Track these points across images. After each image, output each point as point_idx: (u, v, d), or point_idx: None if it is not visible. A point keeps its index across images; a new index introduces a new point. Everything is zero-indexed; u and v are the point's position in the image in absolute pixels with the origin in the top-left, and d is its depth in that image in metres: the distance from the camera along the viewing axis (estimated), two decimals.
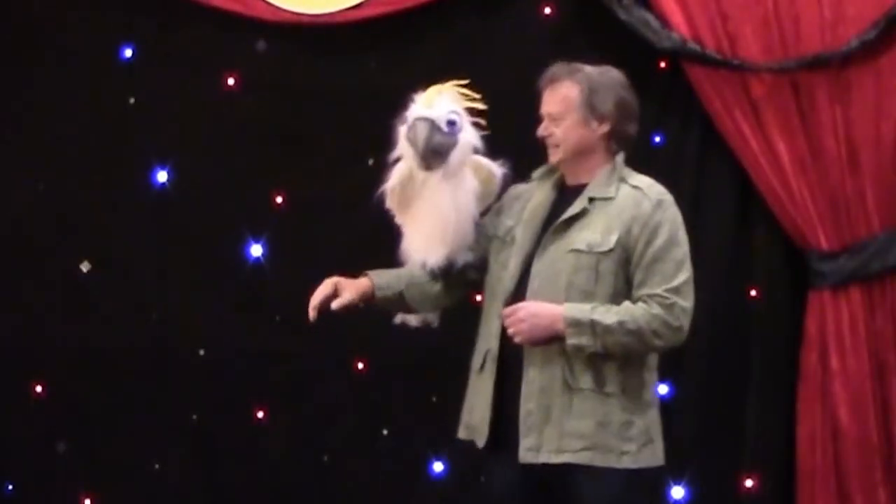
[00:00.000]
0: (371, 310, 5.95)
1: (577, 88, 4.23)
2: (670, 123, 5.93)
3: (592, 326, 4.09)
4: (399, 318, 4.61)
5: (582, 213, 4.20)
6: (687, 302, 4.17)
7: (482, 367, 4.29)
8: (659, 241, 4.15)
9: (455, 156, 4.33)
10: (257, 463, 6.05)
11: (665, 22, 5.78)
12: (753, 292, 5.91)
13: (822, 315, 5.78)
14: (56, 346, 6.10)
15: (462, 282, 4.43)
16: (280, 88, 6.07)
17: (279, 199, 6.08)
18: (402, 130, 4.37)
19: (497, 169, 4.44)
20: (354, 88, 6.02)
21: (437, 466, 5.98)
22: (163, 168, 6.11)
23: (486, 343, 4.29)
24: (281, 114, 6.06)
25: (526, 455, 4.15)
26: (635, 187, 4.21)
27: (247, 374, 6.05)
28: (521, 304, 4.16)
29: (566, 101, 4.23)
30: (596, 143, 4.24)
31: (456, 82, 4.39)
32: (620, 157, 4.27)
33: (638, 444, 4.15)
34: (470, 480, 5.92)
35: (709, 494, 5.87)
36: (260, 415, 6.07)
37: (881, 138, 5.74)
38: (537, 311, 4.13)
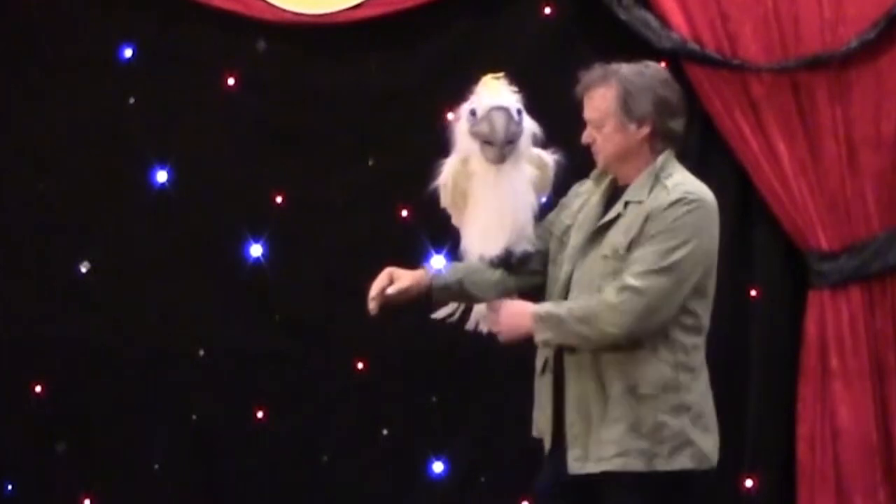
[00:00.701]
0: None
1: (612, 93, 4.14)
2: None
3: (550, 319, 4.09)
4: (472, 323, 4.49)
5: (616, 218, 4.15)
6: (643, 296, 4.01)
7: (542, 371, 4.25)
8: (654, 229, 4.06)
9: (522, 145, 4.29)
10: (257, 463, 6.05)
11: (665, 22, 5.78)
12: (753, 292, 5.91)
13: (822, 315, 5.78)
14: (56, 346, 6.10)
15: (524, 271, 4.35)
16: (280, 88, 6.07)
17: (279, 199, 6.08)
18: (463, 125, 4.29)
19: (549, 157, 4.39)
20: (354, 88, 6.02)
21: (437, 466, 5.98)
22: (163, 168, 6.11)
23: (545, 351, 4.24)
24: (281, 114, 6.06)
25: (574, 465, 4.11)
26: (664, 186, 4.13)
27: (247, 374, 6.05)
28: (501, 303, 4.20)
29: (601, 108, 4.15)
30: (638, 146, 4.16)
31: (494, 75, 4.35)
32: (662, 157, 4.16)
33: (671, 446, 4.06)
34: (470, 480, 5.94)
35: (708, 494, 5.87)
36: (260, 415, 6.07)
37: (881, 138, 5.74)
38: (513, 311, 4.17)
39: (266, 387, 6.05)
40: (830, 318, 5.77)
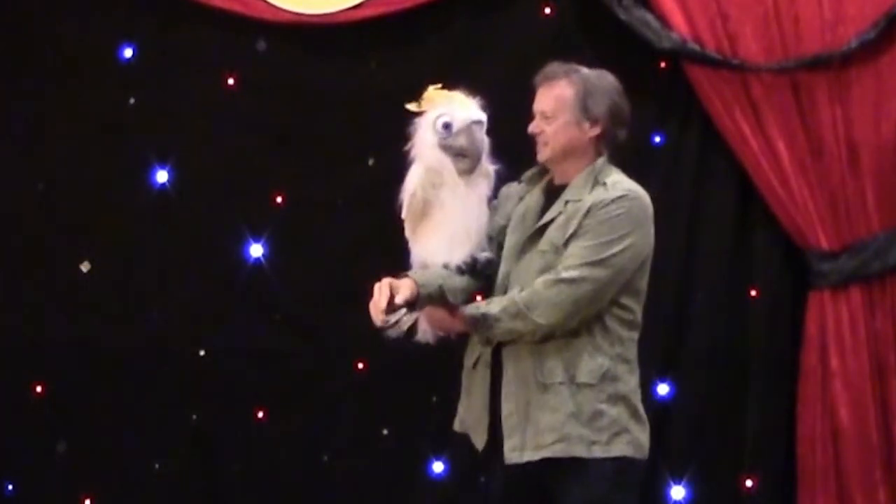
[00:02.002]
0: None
1: (573, 89, 4.25)
2: (670, 123, 5.93)
3: (486, 320, 4.16)
4: (421, 334, 4.50)
5: (556, 217, 4.23)
6: (575, 287, 4.10)
7: (475, 366, 4.32)
8: (592, 223, 4.15)
9: (484, 156, 4.36)
10: (257, 463, 6.05)
11: (665, 22, 5.78)
12: (753, 292, 5.91)
13: (822, 315, 5.78)
14: (56, 346, 6.10)
15: (484, 276, 4.40)
16: (280, 88, 6.07)
17: (279, 199, 6.08)
18: (431, 137, 4.33)
19: (490, 166, 4.44)
20: (354, 88, 6.02)
21: (437, 466, 5.99)
22: (163, 168, 6.11)
23: (479, 345, 4.31)
24: (281, 114, 6.06)
25: (511, 456, 4.18)
26: (604, 184, 4.22)
27: (247, 374, 6.05)
28: (430, 310, 4.27)
29: (560, 100, 4.25)
30: (585, 145, 4.26)
31: (435, 87, 4.39)
32: (601, 160, 4.27)
33: (609, 434, 4.14)
34: (470, 480, 5.93)
35: (709, 494, 5.87)
36: (260, 415, 6.07)
37: (881, 138, 5.74)
38: (443, 316, 4.26)
39: (266, 387, 6.05)
40: (830, 318, 5.77)
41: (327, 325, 6.03)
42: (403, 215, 4.41)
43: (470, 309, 4.22)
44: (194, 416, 6.10)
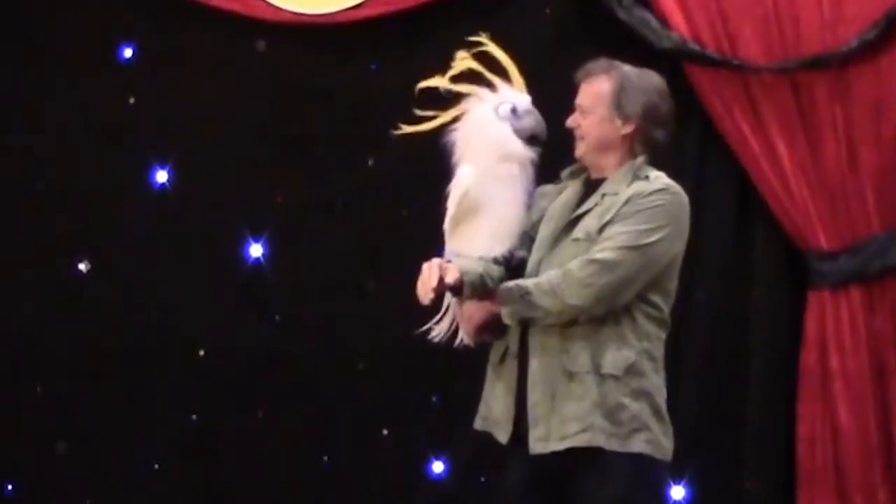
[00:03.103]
0: (370, 311, 6.00)
1: (610, 85, 4.25)
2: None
3: (515, 290, 4.13)
4: (462, 337, 4.45)
5: (592, 208, 4.22)
6: (609, 270, 4.07)
7: (501, 361, 4.30)
8: (631, 210, 4.14)
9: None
10: (257, 463, 6.05)
11: (665, 22, 5.78)
12: (753, 292, 5.90)
13: (822, 315, 5.78)
14: (56, 346, 6.10)
15: (517, 273, 4.35)
16: (280, 88, 6.07)
17: (279, 199, 6.08)
18: (497, 124, 4.30)
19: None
20: (354, 88, 6.02)
21: (437, 466, 5.99)
22: (163, 168, 6.11)
23: (507, 337, 4.28)
24: (281, 114, 6.06)
25: (536, 446, 4.15)
26: (646, 178, 4.21)
27: (247, 374, 6.05)
28: (467, 304, 4.26)
29: (596, 95, 4.26)
30: (618, 142, 4.25)
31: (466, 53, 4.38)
32: (640, 159, 4.25)
33: (628, 429, 4.11)
34: (470, 480, 5.93)
35: (709, 494, 5.87)
36: (260, 415, 6.07)
37: (881, 138, 5.74)
38: (476, 305, 4.24)
39: (266, 387, 6.05)
40: (830, 318, 5.77)
41: (327, 325, 6.03)
42: (450, 213, 4.36)
43: (503, 284, 4.19)
44: (194, 416, 6.10)
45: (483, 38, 4.42)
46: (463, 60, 4.42)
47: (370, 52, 6.03)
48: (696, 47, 5.76)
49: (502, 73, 4.39)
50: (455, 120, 4.39)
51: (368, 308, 5.95)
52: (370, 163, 6.04)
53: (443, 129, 4.41)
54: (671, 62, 5.82)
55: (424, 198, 5.77)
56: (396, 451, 6.01)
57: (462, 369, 5.75)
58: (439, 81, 4.42)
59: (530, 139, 4.31)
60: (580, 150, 4.30)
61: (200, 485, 6.11)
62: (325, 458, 6.06)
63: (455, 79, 4.42)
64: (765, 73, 5.74)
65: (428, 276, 4.12)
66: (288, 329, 6.05)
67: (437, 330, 4.44)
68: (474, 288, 4.23)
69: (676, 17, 5.79)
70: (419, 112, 4.42)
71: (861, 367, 5.75)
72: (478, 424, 4.39)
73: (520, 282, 4.17)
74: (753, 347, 5.88)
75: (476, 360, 5.72)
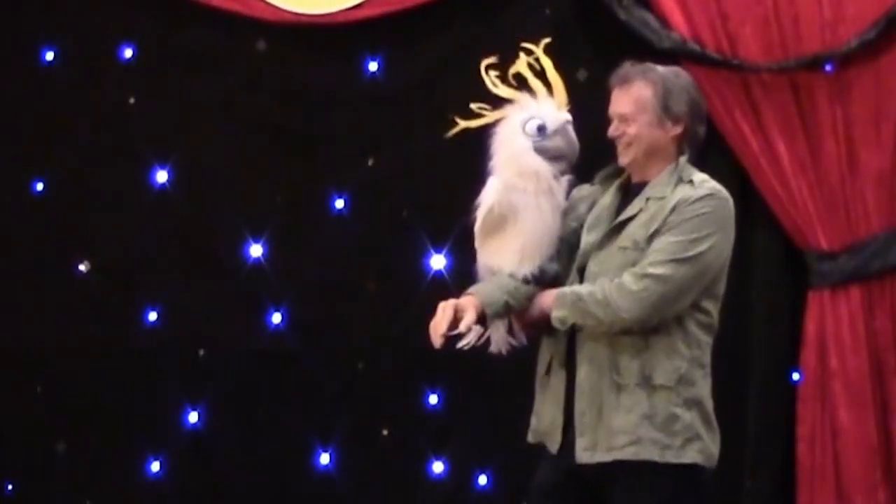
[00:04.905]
0: (370, 311, 6.00)
1: (651, 89, 4.18)
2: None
3: (569, 296, 4.09)
4: (493, 345, 4.38)
5: (637, 213, 4.17)
6: (662, 284, 4.02)
7: (548, 371, 4.24)
8: (679, 219, 4.09)
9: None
10: (257, 463, 6.05)
11: (665, 22, 5.78)
12: (753, 292, 5.90)
13: (822, 315, 5.78)
14: (56, 346, 6.10)
15: (551, 287, 4.29)
16: (280, 88, 6.07)
17: (279, 199, 6.08)
18: (522, 141, 4.23)
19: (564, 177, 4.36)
20: (354, 88, 6.02)
21: (437, 466, 5.99)
22: (163, 168, 6.11)
23: (552, 347, 4.24)
24: (281, 114, 6.07)
25: (582, 455, 4.10)
26: (690, 182, 4.17)
27: (247, 374, 6.05)
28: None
29: (640, 101, 4.18)
30: (667, 144, 4.20)
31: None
32: (682, 160, 4.21)
33: (682, 439, 4.06)
34: (470, 480, 5.94)
35: (709, 494, 5.86)
36: (260, 415, 6.07)
37: (881, 138, 5.74)
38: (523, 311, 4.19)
39: (266, 387, 6.05)
40: (830, 318, 5.77)
41: (327, 325, 6.03)
42: (476, 228, 4.30)
43: (559, 290, 4.14)
44: (194, 416, 6.10)
45: (536, 49, 4.33)
46: (519, 64, 4.32)
47: (370, 52, 6.03)
48: (696, 47, 5.76)
49: (549, 87, 4.32)
50: (497, 122, 4.32)
51: (368, 308, 5.95)
52: (370, 163, 6.04)
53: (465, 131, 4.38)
54: (671, 62, 5.82)
55: (424, 198, 5.80)
56: (396, 451, 6.01)
57: (462, 370, 5.76)
58: (490, 82, 4.33)
59: (555, 158, 4.23)
60: (628, 156, 4.21)
61: (200, 485, 6.11)
62: (325, 458, 6.05)
63: (507, 80, 4.34)
64: (765, 73, 5.74)
65: (440, 320, 4.07)
66: (288, 329, 6.05)
67: (468, 339, 4.32)
68: (499, 317, 4.20)
69: (676, 17, 5.79)
70: (474, 107, 4.33)
71: (861, 367, 5.74)
72: (531, 438, 4.31)
73: (575, 288, 4.12)
74: (753, 347, 5.88)
75: (476, 362, 5.73)
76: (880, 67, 5.74)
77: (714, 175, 5.86)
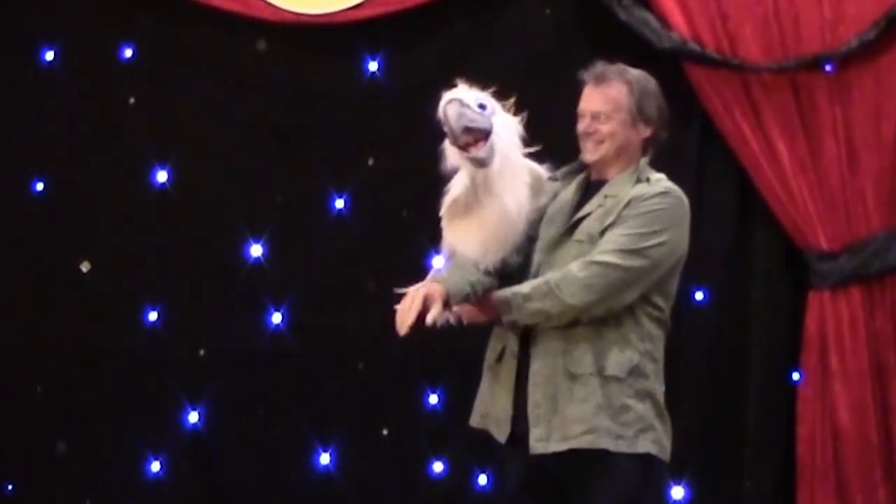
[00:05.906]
0: (370, 311, 6.00)
1: (627, 90, 4.26)
2: (670, 123, 5.92)
3: (514, 299, 4.13)
4: (430, 319, 4.27)
5: (594, 210, 4.23)
6: (610, 272, 4.07)
7: (499, 360, 4.29)
8: (632, 213, 4.15)
9: (501, 142, 4.20)
10: (257, 463, 6.05)
11: (665, 22, 5.78)
12: (753, 292, 5.90)
13: (822, 315, 5.78)
14: (56, 346, 6.11)
15: (513, 280, 4.33)
16: (280, 88, 6.07)
17: (279, 199, 6.08)
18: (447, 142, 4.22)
19: (543, 171, 4.35)
20: (354, 88, 6.02)
21: (437, 466, 5.99)
22: (163, 168, 6.11)
23: (504, 338, 4.28)
24: (281, 114, 6.07)
25: (536, 446, 4.15)
26: (647, 180, 4.24)
27: (247, 374, 6.05)
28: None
29: (616, 100, 4.25)
30: (635, 146, 4.28)
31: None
32: (643, 161, 4.28)
33: (635, 430, 4.13)
34: (470, 480, 5.93)
35: (709, 494, 5.87)
36: (260, 415, 6.07)
37: (881, 138, 5.74)
38: (469, 308, 4.22)
39: (266, 387, 6.05)
40: (830, 318, 5.77)
41: (327, 325, 6.03)
42: (441, 213, 4.31)
43: (500, 292, 4.18)
44: (194, 416, 6.10)
45: None
46: None
47: (370, 52, 6.03)
48: (696, 47, 5.76)
49: None
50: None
51: (368, 308, 5.95)
52: (370, 163, 6.04)
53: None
54: (671, 62, 5.82)
55: (424, 198, 5.78)
56: (396, 451, 6.01)
57: (462, 370, 5.76)
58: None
59: (453, 141, 4.15)
60: (597, 154, 4.26)
61: (200, 485, 6.11)
62: (325, 457, 6.05)
63: None
64: (765, 73, 5.74)
65: (409, 309, 4.07)
66: (288, 329, 6.05)
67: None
68: (460, 304, 4.22)
69: (676, 17, 5.79)
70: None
71: (861, 367, 5.74)
72: (474, 422, 4.39)
73: (515, 289, 4.16)
74: (753, 347, 5.88)
75: (476, 362, 5.74)
76: (880, 67, 5.74)
77: (714, 175, 5.92)
